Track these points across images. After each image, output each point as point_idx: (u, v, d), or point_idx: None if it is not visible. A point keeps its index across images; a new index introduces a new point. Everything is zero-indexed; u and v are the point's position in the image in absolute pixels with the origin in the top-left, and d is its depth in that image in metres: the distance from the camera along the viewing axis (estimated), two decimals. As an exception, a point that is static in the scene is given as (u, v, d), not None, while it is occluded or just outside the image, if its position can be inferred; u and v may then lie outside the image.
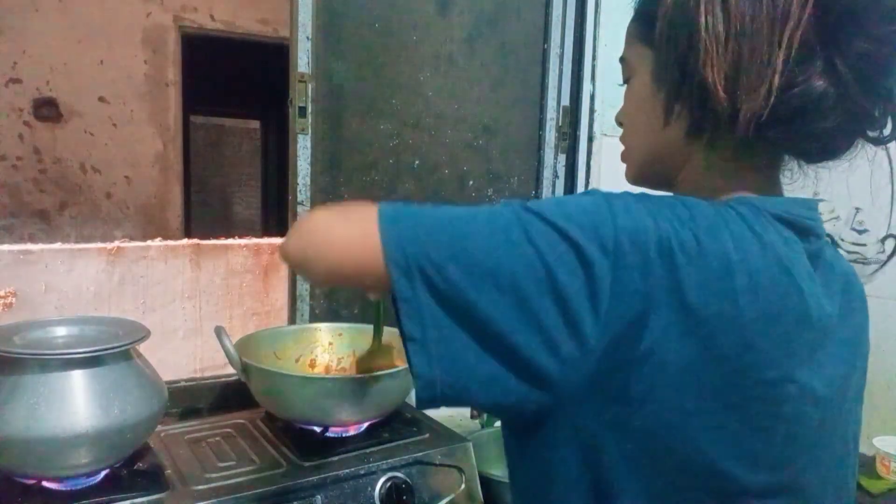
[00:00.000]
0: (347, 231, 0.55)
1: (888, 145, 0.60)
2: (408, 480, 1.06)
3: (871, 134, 0.58)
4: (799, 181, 0.63)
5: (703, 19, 0.54)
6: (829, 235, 1.47)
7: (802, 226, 0.57)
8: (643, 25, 0.63)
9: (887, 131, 0.58)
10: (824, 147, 0.58)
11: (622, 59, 0.68)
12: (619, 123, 0.71)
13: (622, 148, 0.70)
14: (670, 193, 0.65)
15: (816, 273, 0.57)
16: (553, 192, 1.70)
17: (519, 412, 0.54)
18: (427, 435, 1.18)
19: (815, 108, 0.54)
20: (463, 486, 1.11)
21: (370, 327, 1.11)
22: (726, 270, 0.50)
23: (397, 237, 0.51)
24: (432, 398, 0.51)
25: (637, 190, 0.59)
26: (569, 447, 0.54)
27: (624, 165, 0.71)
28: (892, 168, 0.60)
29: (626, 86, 0.69)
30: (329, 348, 1.34)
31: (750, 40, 0.53)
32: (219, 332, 1.10)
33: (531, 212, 0.51)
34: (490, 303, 0.49)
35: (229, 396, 1.32)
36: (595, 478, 0.54)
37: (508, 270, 0.49)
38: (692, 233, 0.50)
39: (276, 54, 3.69)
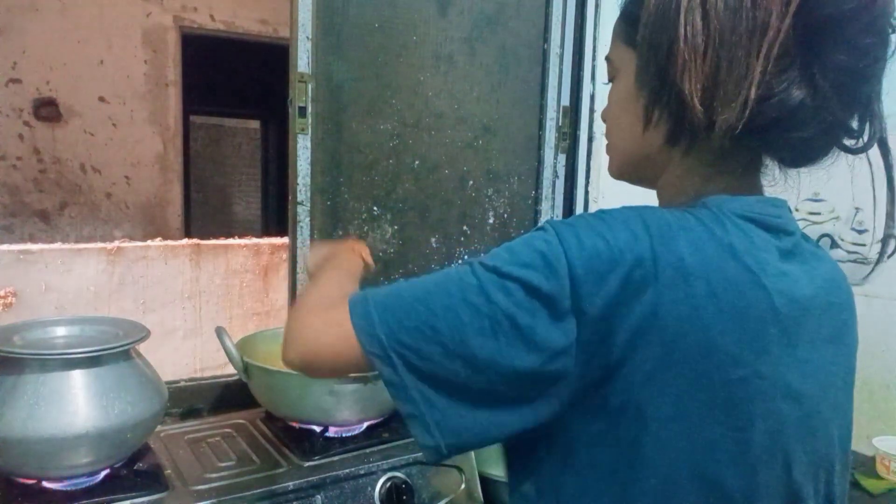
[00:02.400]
0: (329, 337, 0.60)
1: (888, 145, 0.60)
2: (408, 480, 1.06)
3: (848, 143, 0.59)
4: (798, 182, 0.63)
5: (682, 30, 0.54)
6: (828, 235, 1.47)
7: (770, 224, 0.58)
8: (628, 26, 0.64)
9: (865, 140, 0.58)
10: (801, 154, 0.59)
11: (607, 58, 0.69)
12: (604, 120, 0.72)
13: (607, 142, 0.72)
14: (652, 190, 0.67)
15: (792, 268, 0.57)
16: (553, 192, 1.70)
17: (518, 438, 0.57)
18: (427, 435, 1.18)
19: (792, 117, 0.55)
20: (463, 486, 1.11)
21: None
22: (682, 277, 0.51)
23: (370, 332, 0.56)
24: (439, 459, 0.56)
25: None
26: (566, 460, 0.56)
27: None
28: (892, 168, 0.60)
29: (610, 84, 0.69)
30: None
31: (728, 52, 0.53)
32: (219, 332, 1.10)
33: (486, 269, 0.55)
34: (467, 367, 0.53)
35: (229, 396, 1.32)
36: (590, 490, 0.56)
37: (476, 334, 0.53)
38: (647, 244, 0.52)
39: (276, 54, 3.69)
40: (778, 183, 0.63)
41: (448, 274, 0.57)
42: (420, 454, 1.10)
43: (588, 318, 0.51)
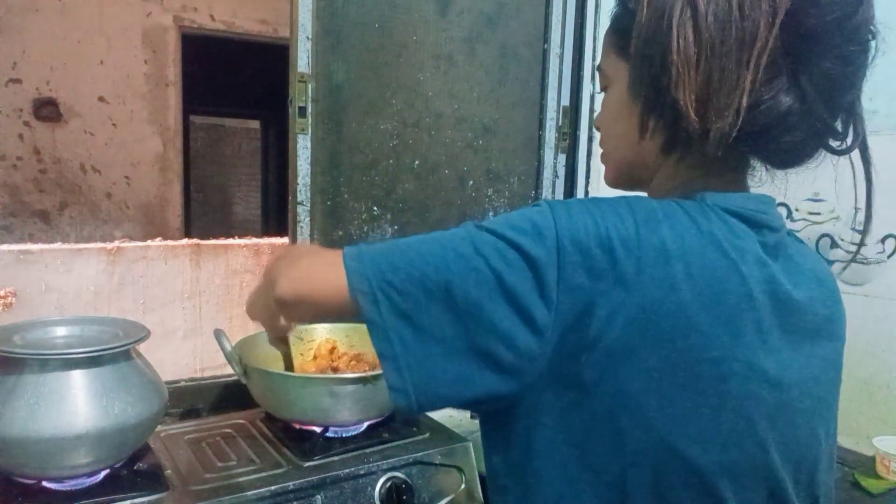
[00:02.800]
0: (320, 273, 0.62)
1: (867, 144, 0.62)
2: (408, 480, 1.06)
3: (833, 144, 0.61)
4: (786, 181, 0.65)
5: (675, 42, 0.56)
6: (828, 235, 1.47)
7: (754, 219, 0.60)
8: (619, 38, 0.66)
9: (849, 142, 0.61)
10: (789, 157, 0.62)
11: (599, 69, 0.71)
12: (597, 128, 0.74)
13: (601, 151, 0.74)
14: (644, 194, 0.69)
15: (775, 263, 0.59)
16: (553, 192, 1.70)
17: (489, 404, 0.59)
18: (427, 435, 1.18)
19: (781, 123, 0.57)
20: (463, 486, 1.11)
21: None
22: (663, 259, 0.54)
23: (359, 270, 0.58)
24: (409, 406, 0.57)
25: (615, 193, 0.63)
26: (535, 434, 0.58)
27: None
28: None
29: (603, 93, 0.71)
30: (329, 348, 1.34)
31: (720, 62, 0.55)
32: (218, 335, 1.10)
33: (480, 228, 0.58)
34: (448, 313, 0.55)
35: (229, 397, 1.32)
36: (559, 462, 0.58)
37: (461, 281, 0.55)
38: (633, 227, 0.55)
39: (276, 54, 3.69)
40: (765, 183, 0.65)
41: (443, 231, 0.60)
42: (421, 454, 1.10)
43: (570, 290, 0.53)
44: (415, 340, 0.56)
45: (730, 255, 0.56)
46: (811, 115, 0.57)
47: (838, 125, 0.60)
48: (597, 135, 1.66)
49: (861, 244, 0.69)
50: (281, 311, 0.69)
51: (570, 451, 0.57)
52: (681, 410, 0.54)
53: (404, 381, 0.56)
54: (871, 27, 0.58)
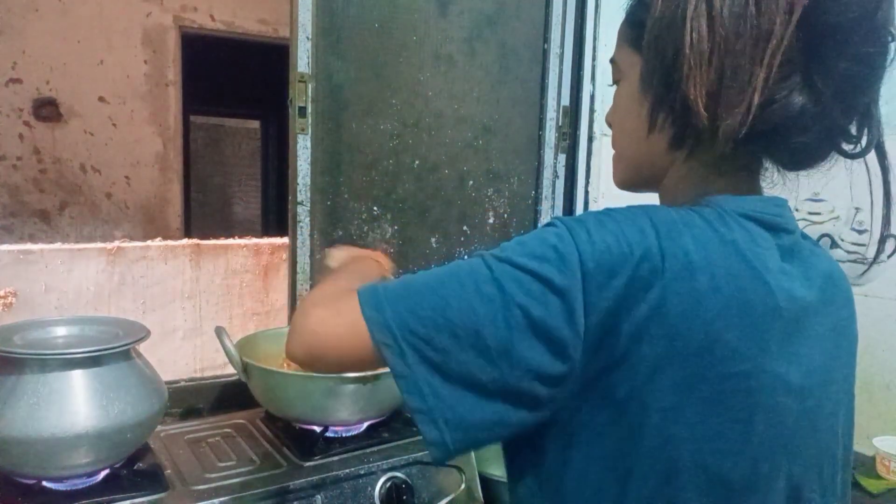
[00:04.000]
0: (337, 327, 0.58)
1: (885, 149, 0.61)
2: (408, 480, 1.06)
3: (846, 147, 0.60)
4: (797, 184, 0.64)
5: (688, 36, 0.55)
6: (828, 235, 1.47)
7: (771, 223, 0.59)
8: (633, 30, 0.65)
9: (863, 145, 0.60)
10: (801, 158, 0.61)
11: (612, 61, 0.70)
12: (609, 124, 0.73)
13: (613, 151, 0.72)
14: (655, 194, 0.68)
15: (792, 267, 0.59)
16: (553, 192, 1.70)
17: (522, 433, 0.58)
18: (427, 435, 1.18)
19: (793, 123, 0.56)
20: (463, 486, 1.11)
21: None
22: (687, 271, 0.52)
23: (380, 321, 0.55)
24: (446, 456, 0.56)
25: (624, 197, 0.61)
26: (570, 453, 0.57)
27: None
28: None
29: (615, 87, 0.70)
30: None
31: (733, 59, 0.54)
32: (219, 332, 1.10)
33: (499, 260, 0.55)
34: (478, 358, 0.53)
35: (229, 396, 1.32)
36: (595, 479, 0.56)
37: (489, 324, 0.53)
38: (654, 240, 0.53)
39: (276, 54, 3.69)
40: (777, 185, 0.64)
41: (460, 265, 0.57)
42: (421, 454, 1.10)
43: (597, 312, 0.52)
44: (446, 390, 0.54)
45: (753, 265, 0.55)
46: (825, 117, 0.56)
47: (853, 128, 0.59)
48: (597, 135, 1.67)
49: (880, 250, 0.67)
50: (308, 364, 0.64)
51: (605, 468, 0.56)
52: (711, 426, 0.53)
53: (441, 433, 0.55)
54: (891, 28, 0.56)
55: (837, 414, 0.62)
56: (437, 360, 0.54)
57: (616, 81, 0.69)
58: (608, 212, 0.57)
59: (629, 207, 0.57)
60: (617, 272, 0.52)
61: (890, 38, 0.56)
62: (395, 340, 0.54)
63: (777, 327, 0.55)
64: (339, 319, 0.58)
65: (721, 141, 0.56)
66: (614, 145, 0.71)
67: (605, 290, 0.52)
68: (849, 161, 0.61)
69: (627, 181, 0.71)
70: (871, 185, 0.61)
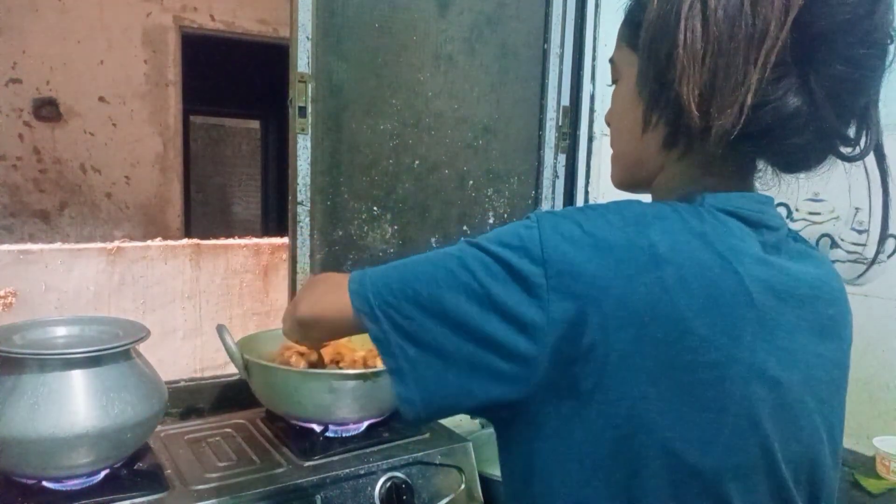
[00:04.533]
0: (328, 297, 0.72)
1: (884, 152, 0.61)
2: (408, 480, 1.06)
3: (844, 151, 0.60)
4: (797, 186, 0.64)
5: (682, 36, 0.55)
6: (828, 235, 1.47)
7: (751, 219, 0.59)
8: (631, 31, 0.65)
9: (861, 148, 0.59)
10: (796, 161, 0.61)
11: (611, 61, 0.70)
12: (608, 123, 0.73)
13: (613, 151, 0.73)
14: (647, 197, 0.68)
15: (772, 259, 0.59)
16: (553, 192, 1.70)
17: (493, 411, 0.61)
18: (427, 435, 1.18)
19: (786, 124, 0.56)
20: (463, 486, 1.11)
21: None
22: (654, 262, 0.53)
23: (359, 291, 0.63)
24: (416, 416, 0.61)
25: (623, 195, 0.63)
26: (536, 445, 0.59)
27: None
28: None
29: (614, 86, 0.71)
30: (330, 348, 1.34)
31: (726, 59, 0.54)
32: (220, 329, 1.10)
33: (470, 244, 0.60)
34: (443, 327, 0.58)
35: (229, 396, 1.32)
36: (563, 472, 0.58)
37: (452, 296, 0.58)
38: (620, 231, 0.55)
39: (276, 54, 3.69)
40: (773, 187, 0.64)
41: (437, 251, 0.63)
42: (421, 454, 1.10)
43: (560, 300, 0.53)
44: (417, 354, 0.59)
45: (724, 255, 0.55)
46: (819, 119, 0.56)
47: (850, 131, 0.59)
48: (597, 135, 1.67)
49: (879, 250, 0.68)
50: (303, 331, 0.79)
51: (573, 461, 0.57)
52: (681, 415, 0.54)
53: (410, 392, 0.60)
54: (890, 30, 0.56)
55: (821, 413, 0.62)
56: (408, 327, 0.59)
57: (614, 81, 0.70)
58: (583, 207, 0.59)
59: (606, 203, 0.58)
60: (579, 262, 0.54)
61: (889, 41, 0.56)
62: (371, 309, 0.61)
63: (750, 317, 0.55)
64: (331, 292, 0.71)
65: (713, 141, 0.56)
66: (612, 145, 0.72)
67: (567, 278, 0.54)
68: (863, 166, 0.61)
69: (624, 181, 0.72)
70: (869, 187, 0.61)
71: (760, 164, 0.64)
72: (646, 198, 0.68)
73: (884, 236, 0.63)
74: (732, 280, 0.55)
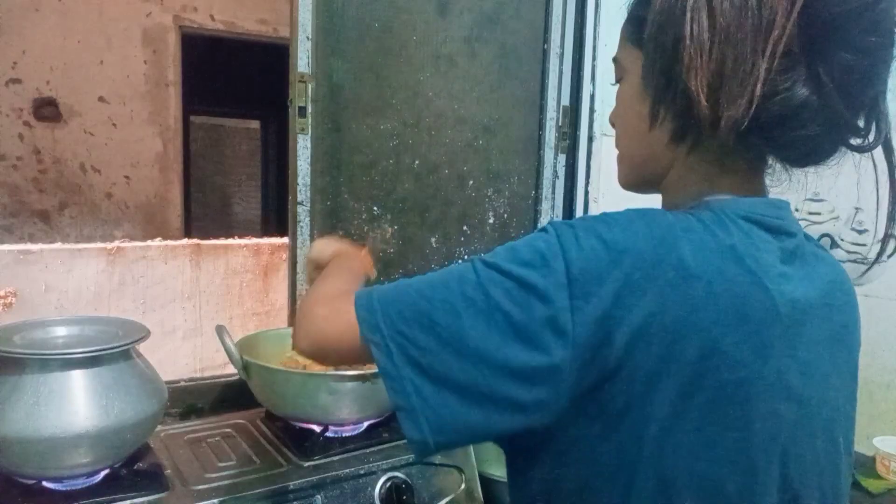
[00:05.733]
0: (335, 326, 0.62)
1: (892, 145, 0.60)
2: (408, 480, 1.06)
3: (854, 142, 0.59)
4: (805, 183, 0.63)
5: (688, 27, 0.54)
6: (828, 235, 1.47)
7: (772, 225, 0.58)
8: (635, 27, 0.64)
9: (871, 139, 0.59)
10: (806, 153, 0.59)
11: (615, 60, 0.69)
12: (612, 124, 0.72)
13: (617, 152, 0.72)
14: (657, 194, 0.67)
15: (792, 270, 0.58)
16: (553, 192, 1.70)
17: (510, 440, 0.59)
18: (427, 435, 1.18)
19: (796, 115, 0.55)
20: (463, 486, 1.11)
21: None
22: (683, 278, 0.52)
23: (370, 321, 0.57)
24: (428, 454, 0.57)
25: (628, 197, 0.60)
26: (563, 466, 0.57)
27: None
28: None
29: (618, 85, 0.70)
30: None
31: (734, 49, 0.53)
32: (220, 330, 1.10)
33: (487, 265, 0.56)
34: (462, 360, 0.54)
35: (229, 396, 1.32)
36: (592, 492, 0.56)
37: (472, 327, 0.53)
38: (648, 246, 0.52)
39: (276, 54, 3.69)
40: (783, 184, 0.63)
41: (451, 270, 0.58)
42: (420, 454, 1.10)
43: (585, 319, 0.51)
44: (430, 391, 0.55)
45: (753, 270, 0.54)
46: (829, 109, 0.55)
47: (860, 122, 0.58)
48: (597, 135, 1.67)
49: (883, 248, 0.66)
50: (313, 359, 0.71)
51: (602, 484, 0.55)
52: (708, 434, 0.53)
53: (423, 433, 0.55)
54: None
55: (837, 421, 0.62)
56: (423, 360, 0.55)
57: (619, 80, 0.69)
58: (603, 217, 0.56)
59: (626, 211, 0.56)
60: (605, 278, 0.51)
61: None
62: (383, 339, 0.56)
63: (776, 332, 0.54)
64: (338, 319, 0.61)
65: (723, 132, 0.55)
66: (617, 145, 0.71)
67: (593, 297, 0.51)
68: (855, 160, 0.60)
69: (631, 181, 0.70)
70: (877, 182, 0.60)
71: (769, 160, 0.63)
72: (654, 198, 0.68)
73: (889, 233, 0.62)
74: (761, 296, 0.54)
